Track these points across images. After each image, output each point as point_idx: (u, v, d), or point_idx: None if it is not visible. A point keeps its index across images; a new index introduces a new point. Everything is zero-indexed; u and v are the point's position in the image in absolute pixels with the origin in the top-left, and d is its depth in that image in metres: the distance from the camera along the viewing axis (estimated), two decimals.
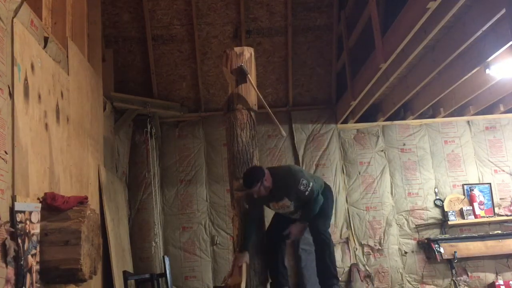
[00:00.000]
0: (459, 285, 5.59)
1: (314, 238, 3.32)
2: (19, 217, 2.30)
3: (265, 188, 3.15)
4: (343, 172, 5.97)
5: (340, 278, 5.58)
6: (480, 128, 6.12)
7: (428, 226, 5.80)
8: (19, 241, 2.27)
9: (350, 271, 5.62)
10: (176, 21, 5.56)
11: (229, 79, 3.72)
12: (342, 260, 5.66)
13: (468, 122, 6.12)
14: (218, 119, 5.64)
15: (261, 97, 3.71)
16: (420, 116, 5.89)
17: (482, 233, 5.69)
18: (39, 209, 2.57)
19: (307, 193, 3.17)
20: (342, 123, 5.98)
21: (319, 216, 3.31)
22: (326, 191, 3.44)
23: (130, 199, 5.65)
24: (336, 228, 5.76)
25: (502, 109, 5.72)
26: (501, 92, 5.07)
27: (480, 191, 5.87)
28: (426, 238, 5.69)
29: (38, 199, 2.64)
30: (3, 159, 2.24)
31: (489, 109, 5.84)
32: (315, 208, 3.26)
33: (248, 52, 3.68)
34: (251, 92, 3.61)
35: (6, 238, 2.17)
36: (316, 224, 3.31)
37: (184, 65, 5.83)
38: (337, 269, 5.56)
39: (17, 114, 2.44)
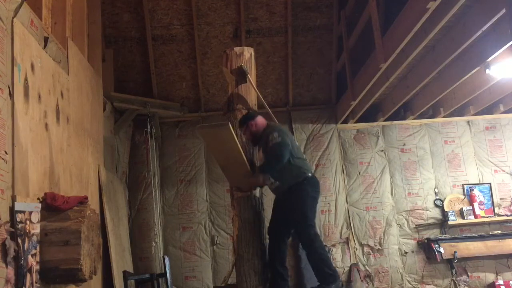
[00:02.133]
0: (459, 285, 5.59)
1: (301, 242, 3.26)
2: (19, 217, 2.30)
3: (251, 132, 3.36)
4: (343, 172, 5.97)
5: (340, 279, 5.59)
6: (480, 128, 6.12)
7: (428, 226, 5.80)
8: (19, 241, 2.27)
9: (350, 271, 5.62)
10: (176, 21, 5.56)
11: (229, 79, 3.72)
12: (342, 260, 5.67)
13: (468, 122, 6.13)
14: (218, 119, 5.62)
15: (261, 97, 3.71)
16: (420, 116, 5.90)
17: (482, 233, 5.69)
18: (39, 209, 2.57)
19: (270, 143, 3.19)
20: (342, 123, 5.98)
21: (301, 219, 3.22)
22: (308, 185, 3.25)
23: (130, 199, 5.65)
24: (336, 228, 5.76)
25: (502, 109, 5.72)
26: (501, 92, 5.07)
27: (480, 191, 5.87)
28: (426, 238, 5.69)
29: (38, 199, 2.64)
30: (3, 159, 2.24)
31: (489, 109, 5.84)
32: (270, 159, 3.21)
33: (248, 52, 3.68)
34: (251, 92, 3.61)
35: (6, 238, 2.17)
36: (300, 228, 3.23)
37: (184, 65, 5.83)
38: (337, 269, 5.59)
39: (17, 114, 2.44)
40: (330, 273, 3.15)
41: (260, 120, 3.44)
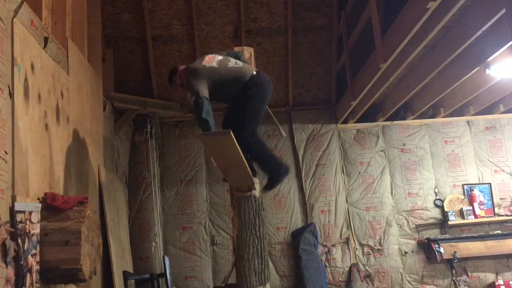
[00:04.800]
0: (459, 285, 5.59)
1: (243, 147, 3.06)
2: (19, 217, 2.30)
3: (181, 86, 3.30)
4: (343, 172, 5.97)
5: (340, 279, 5.60)
6: (480, 128, 6.12)
7: (428, 226, 5.80)
8: (19, 241, 2.27)
9: (350, 271, 5.62)
10: (176, 21, 5.56)
11: None
12: (342, 260, 5.67)
13: (468, 122, 6.13)
14: (218, 119, 5.62)
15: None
16: (420, 116, 5.90)
17: (482, 233, 5.69)
18: (39, 209, 2.57)
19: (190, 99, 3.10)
20: (342, 123, 5.98)
21: (238, 122, 3.09)
22: (248, 88, 3.07)
23: (130, 199, 5.65)
24: (336, 228, 5.77)
25: (502, 109, 5.72)
26: (501, 92, 5.07)
27: (480, 191, 5.87)
28: (426, 238, 5.69)
29: (38, 199, 2.64)
30: (3, 159, 2.24)
31: (489, 109, 5.84)
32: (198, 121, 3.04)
33: (248, 52, 3.68)
34: None
35: (6, 238, 2.17)
36: (238, 133, 3.00)
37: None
38: (337, 269, 5.61)
39: (17, 114, 2.45)
40: (274, 162, 3.09)
41: (181, 71, 3.32)
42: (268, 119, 3.75)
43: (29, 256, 2.39)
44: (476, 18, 3.28)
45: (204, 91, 3.02)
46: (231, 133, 2.63)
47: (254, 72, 3.19)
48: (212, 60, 3.21)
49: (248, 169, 3.10)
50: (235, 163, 2.96)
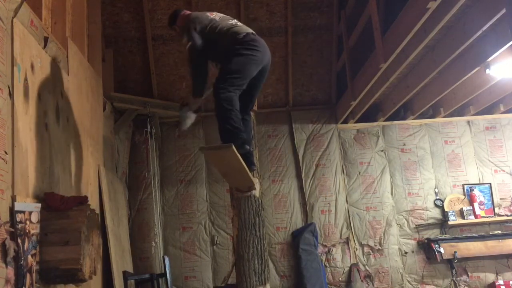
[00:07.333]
0: (459, 285, 5.59)
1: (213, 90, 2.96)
2: (19, 217, 2.30)
3: (180, 27, 3.23)
4: (343, 172, 5.97)
5: (340, 279, 5.60)
6: (480, 128, 6.12)
7: (428, 226, 5.80)
8: (19, 241, 2.27)
9: (350, 271, 5.62)
10: None
11: None
12: (342, 260, 5.67)
13: (468, 122, 6.12)
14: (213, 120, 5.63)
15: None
16: (420, 116, 5.90)
17: (482, 233, 5.69)
18: (39, 209, 2.57)
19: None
20: (342, 123, 5.98)
21: (220, 71, 2.98)
22: (239, 45, 2.95)
23: (130, 199, 5.65)
24: (336, 228, 5.77)
25: (502, 109, 5.72)
26: (501, 92, 5.07)
27: (480, 191, 5.87)
28: (426, 238, 5.69)
29: (38, 199, 2.64)
30: (3, 159, 2.24)
31: (489, 109, 5.84)
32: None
33: None
34: None
35: (6, 238, 2.17)
36: (217, 78, 2.91)
37: (184, 65, 5.82)
38: (337, 269, 5.61)
39: (17, 114, 2.45)
40: (229, 129, 2.77)
41: (183, 15, 3.25)
42: (268, 119, 3.75)
43: (29, 256, 2.39)
44: (476, 18, 3.28)
45: (199, 41, 3.04)
46: (233, 147, 2.62)
47: (251, 31, 3.07)
48: (216, 15, 3.22)
49: (249, 172, 3.10)
50: (236, 170, 2.97)
